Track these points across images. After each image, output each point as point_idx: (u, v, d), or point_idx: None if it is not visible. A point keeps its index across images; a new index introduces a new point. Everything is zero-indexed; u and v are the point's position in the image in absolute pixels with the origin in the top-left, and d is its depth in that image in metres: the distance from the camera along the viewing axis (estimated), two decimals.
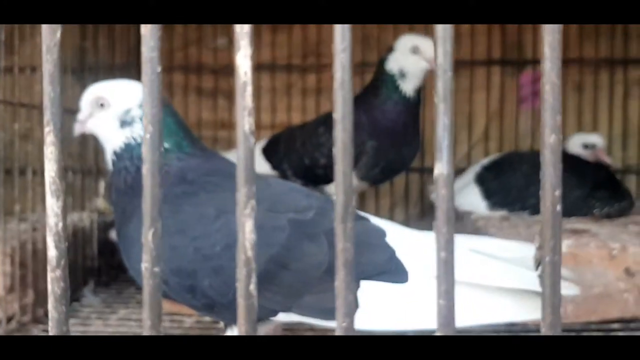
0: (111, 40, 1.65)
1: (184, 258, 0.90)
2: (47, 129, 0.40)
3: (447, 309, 0.35)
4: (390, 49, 1.41)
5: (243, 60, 0.34)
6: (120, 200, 0.96)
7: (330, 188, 1.50)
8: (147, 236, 0.37)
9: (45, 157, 0.41)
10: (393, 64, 1.39)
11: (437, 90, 0.36)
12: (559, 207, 0.34)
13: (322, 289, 0.91)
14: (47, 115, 0.40)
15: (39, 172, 1.31)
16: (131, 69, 1.74)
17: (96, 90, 0.99)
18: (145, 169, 0.36)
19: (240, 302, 0.36)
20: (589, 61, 1.79)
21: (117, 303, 1.35)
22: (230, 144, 1.81)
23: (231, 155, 1.62)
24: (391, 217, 1.84)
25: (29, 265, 1.18)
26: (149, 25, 0.35)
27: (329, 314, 0.90)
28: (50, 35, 0.38)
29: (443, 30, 0.34)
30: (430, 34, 1.43)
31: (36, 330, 1.16)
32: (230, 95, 1.83)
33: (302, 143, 1.50)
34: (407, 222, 1.84)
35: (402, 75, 1.38)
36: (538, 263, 0.36)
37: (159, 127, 0.36)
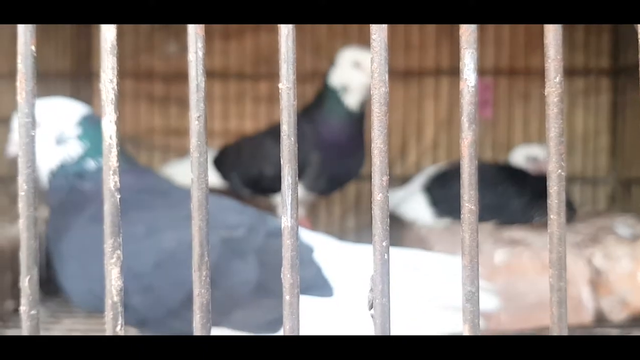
0: (60, 47, 1.65)
1: None
2: None
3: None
4: (332, 63, 1.44)
5: (108, 125, 0.37)
6: (53, 217, 0.98)
7: (277, 198, 1.53)
8: (24, 282, 0.40)
9: None
10: (335, 79, 1.42)
11: (282, 153, 0.39)
12: (386, 256, 0.37)
13: (252, 305, 0.94)
14: None
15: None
16: (80, 77, 1.76)
17: None
18: (21, 224, 0.39)
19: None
20: (535, 71, 1.84)
21: (63, 313, 1.37)
22: (182, 151, 1.83)
23: (183, 165, 1.65)
24: (342, 225, 1.87)
25: None
26: (23, 93, 0.37)
27: (259, 329, 0.94)
28: None
29: None
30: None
31: None
32: (182, 102, 1.84)
33: (249, 154, 1.53)
34: (358, 229, 1.89)
35: (345, 89, 1.41)
36: (371, 304, 0.40)
37: (33, 185, 0.38)
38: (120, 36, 0.41)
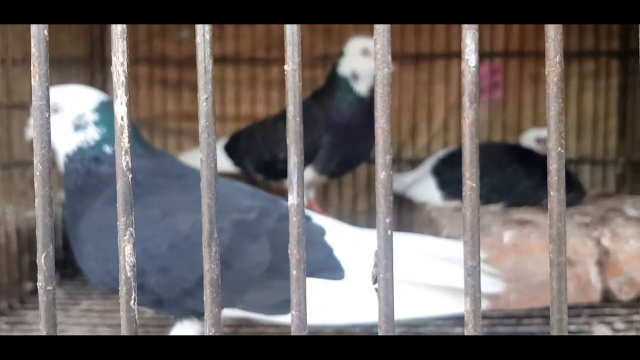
0: (74, 34, 1.68)
1: None
2: None
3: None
4: (340, 54, 1.46)
5: (120, 107, 0.39)
6: (70, 200, 1.00)
7: None
8: (40, 259, 0.41)
9: None
10: (345, 68, 1.45)
11: (288, 133, 0.40)
12: (389, 232, 0.39)
13: (264, 286, 0.96)
14: None
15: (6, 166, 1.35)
16: (95, 62, 1.78)
17: None
18: (37, 203, 0.41)
19: (123, 315, 0.41)
20: (544, 54, 1.83)
21: (81, 294, 1.40)
22: (195, 135, 1.85)
23: (197, 153, 1.67)
24: (354, 207, 1.89)
25: None
26: (36, 77, 0.39)
27: (271, 310, 0.96)
28: None
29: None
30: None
31: None
32: (195, 87, 1.85)
33: (261, 139, 1.55)
34: (370, 212, 1.90)
35: (355, 77, 1.44)
36: (375, 279, 0.41)
37: (48, 166, 0.40)
38: None
